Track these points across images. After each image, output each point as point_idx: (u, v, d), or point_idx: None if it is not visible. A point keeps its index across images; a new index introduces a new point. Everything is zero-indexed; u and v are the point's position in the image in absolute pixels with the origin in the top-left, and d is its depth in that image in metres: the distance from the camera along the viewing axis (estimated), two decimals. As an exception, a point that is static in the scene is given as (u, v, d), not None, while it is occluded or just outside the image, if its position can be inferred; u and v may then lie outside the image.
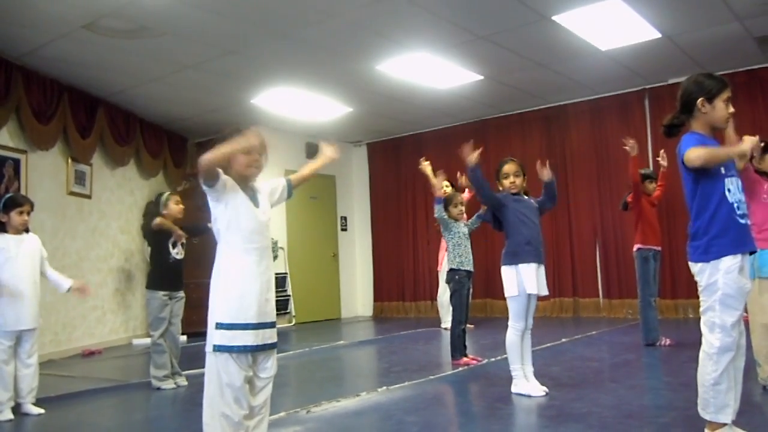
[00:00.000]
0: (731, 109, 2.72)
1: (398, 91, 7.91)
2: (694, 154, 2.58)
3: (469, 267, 5.34)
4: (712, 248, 2.61)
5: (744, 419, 2.67)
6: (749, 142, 2.61)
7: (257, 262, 2.55)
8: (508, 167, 4.13)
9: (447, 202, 5.43)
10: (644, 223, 5.69)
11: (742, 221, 2.64)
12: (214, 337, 2.47)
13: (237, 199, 2.56)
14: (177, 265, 4.94)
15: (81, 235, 7.42)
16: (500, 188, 4.15)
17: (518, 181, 4.11)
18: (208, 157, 2.41)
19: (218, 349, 2.46)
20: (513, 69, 7.33)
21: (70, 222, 7.29)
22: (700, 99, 2.69)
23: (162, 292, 4.84)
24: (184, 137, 9.62)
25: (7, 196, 4.42)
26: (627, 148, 5.54)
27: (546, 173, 4.11)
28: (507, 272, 3.99)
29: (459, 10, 5.64)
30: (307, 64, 6.84)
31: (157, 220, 4.86)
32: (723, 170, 2.64)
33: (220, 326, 2.47)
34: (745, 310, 2.71)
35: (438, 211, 5.26)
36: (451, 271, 5.38)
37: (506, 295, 4.01)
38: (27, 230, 4.31)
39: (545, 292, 4.04)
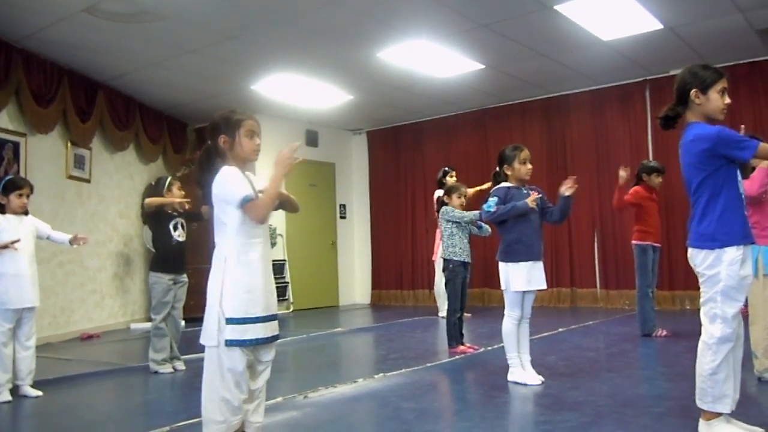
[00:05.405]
0: (727, 100, 2.68)
1: (399, 79, 7.89)
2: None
3: (464, 258, 5.31)
4: (719, 236, 2.60)
5: (739, 410, 2.69)
6: None
7: (262, 255, 2.56)
8: (526, 153, 4.04)
9: (451, 191, 5.42)
10: (643, 222, 5.67)
11: (746, 212, 2.67)
12: (225, 331, 2.45)
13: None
14: (180, 248, 4.94)
15: (80, 219, 7.41)
16: (509, 172, 4.03)
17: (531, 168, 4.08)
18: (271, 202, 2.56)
19: (230, 343, 2.45)
20: (514, 58, 7.30)
21: (69, 206, 7.29)
22: (693, 90, 2.67)
23: (167, 276, 4.85)
24: (184, 122, 9.60)
25: (7, 178, 4.40)
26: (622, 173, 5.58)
27: (569, 190, 3.90)
28: (501, 268, 4.01)
29: (461, -3, 5.62)
30: (308, 50, 6.81)
31: (148, 199, 4.85)
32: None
33: (231, 321, 2.46)
34: (744, 303, 2.71)
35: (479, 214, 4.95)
36: (444, 260, 5.39)
37: (501, 287, 4.03)
38: (26, 213, 4.31)
39: (541, 286, 3.99)
